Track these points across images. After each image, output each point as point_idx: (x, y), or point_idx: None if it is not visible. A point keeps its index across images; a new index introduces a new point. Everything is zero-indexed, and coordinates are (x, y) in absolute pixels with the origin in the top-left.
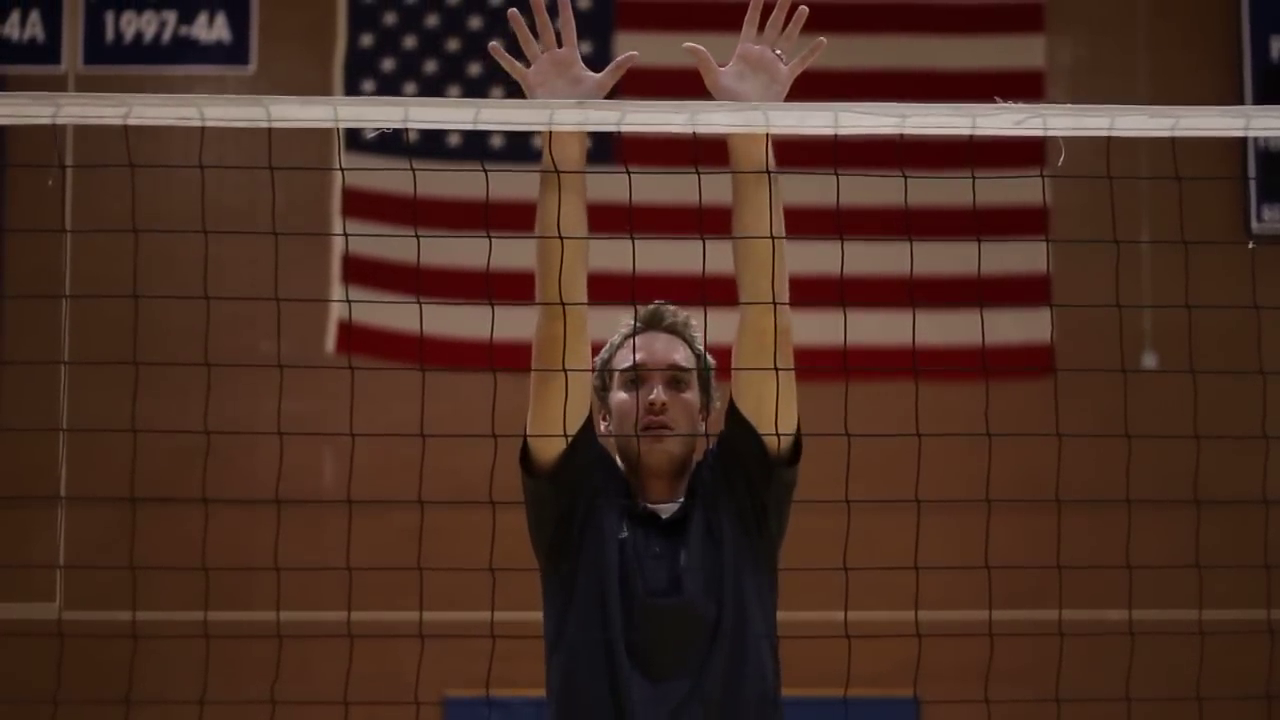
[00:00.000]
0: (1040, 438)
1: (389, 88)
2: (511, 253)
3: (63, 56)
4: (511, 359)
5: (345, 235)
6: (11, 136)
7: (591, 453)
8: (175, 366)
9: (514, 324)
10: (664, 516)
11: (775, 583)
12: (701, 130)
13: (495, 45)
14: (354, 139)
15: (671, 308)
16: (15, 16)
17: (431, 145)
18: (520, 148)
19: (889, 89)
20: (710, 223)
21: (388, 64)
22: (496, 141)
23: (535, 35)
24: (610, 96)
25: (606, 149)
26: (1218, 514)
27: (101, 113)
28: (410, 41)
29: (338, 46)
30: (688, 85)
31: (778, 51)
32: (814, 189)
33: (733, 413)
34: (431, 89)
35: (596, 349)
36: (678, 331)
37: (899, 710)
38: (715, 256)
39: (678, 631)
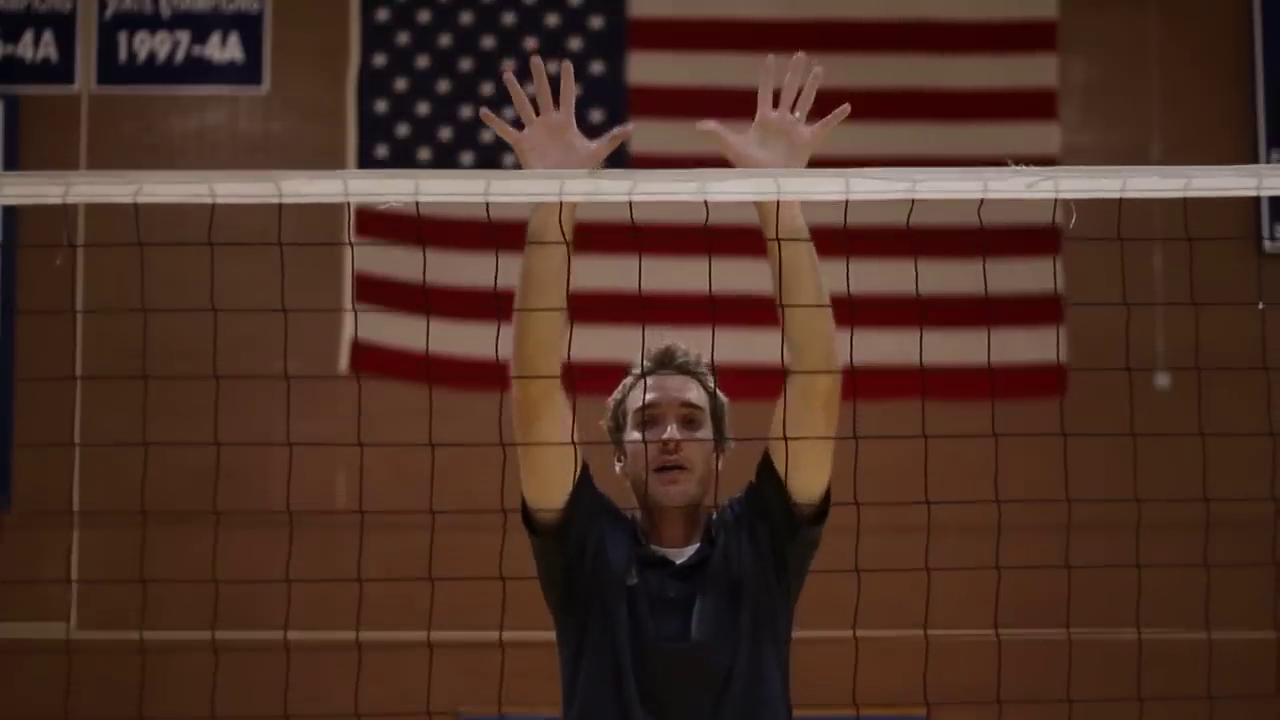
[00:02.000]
0: (1052, 456)
1: (401, 107)
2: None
3: (76, 76)
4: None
5: (352, 245)
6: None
7: (592, 504)
8: (189, 389)
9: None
10: (678, 561)
11: (789, 634)
12: (713, 199)
13: (486, 112)
14: (367, 159)
15: (683, 347)
16: (29, 36)
17: (445, 165)
18: None
19: (900, 109)
20: (718, 244)
21: (401, 84)
22: (509, 162)
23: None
24: (622, 119)
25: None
26: (1233, 530)
27: (111, 191)
28: (424, 61)
29: (350, 66)
30: (701, 105)
31: (797, 114)
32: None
33: (766, 466)
34: (444, 108)
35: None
36: (689, 370)
37: None
38: (724, 278)
39: (690, 678)
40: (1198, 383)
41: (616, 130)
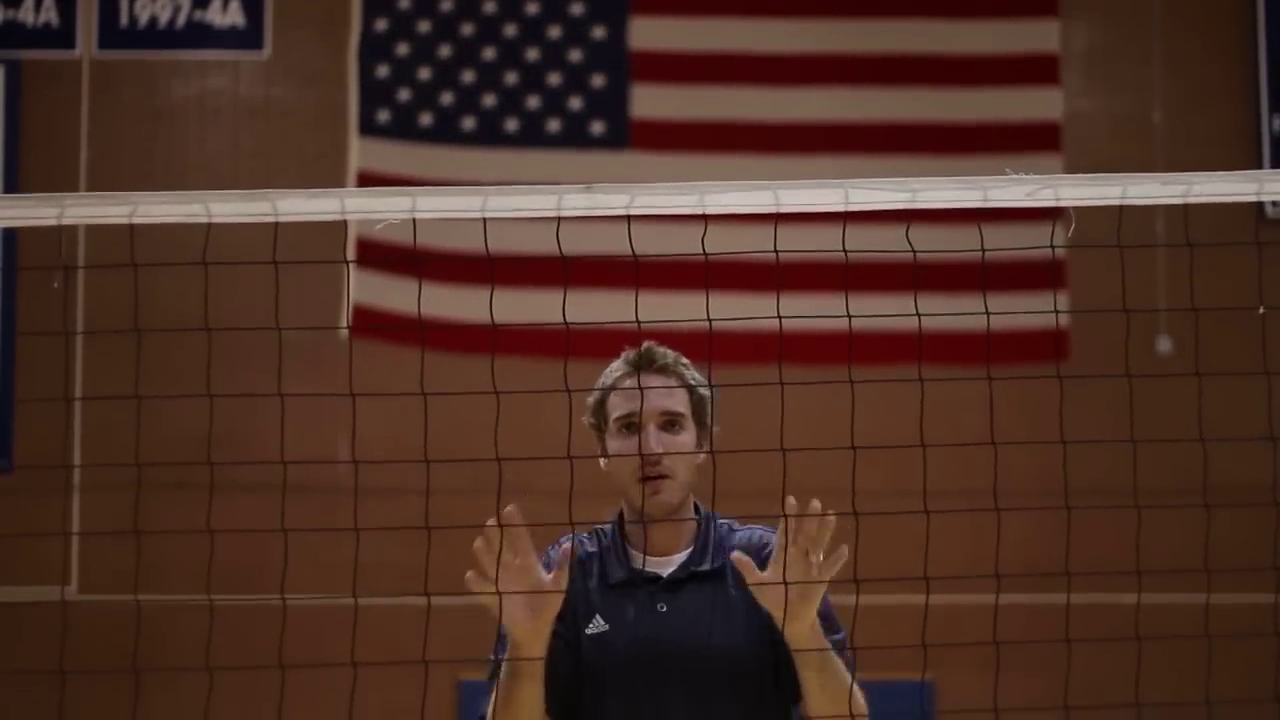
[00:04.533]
0: (1053, 422)
1: (403, 72)
2: (517, 237)
3: (77, 41)
4: (516, 344)
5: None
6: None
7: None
8: (188, 354)
9: (519, 308)
10: (665, 574)
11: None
12: (711, 212)
13: (470, 575)
14: (368, 125)
15: (662, 348)
16: (30, 1)
17: (446, 131)
18: (534, 132)
19: (903, 74)
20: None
21: (402, 48)
22: (511, 127)
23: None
24: (624, 84)
25: (621, 134)
26: (1230, 500)
27: (107, 212)
28: (425, 26)
29: (352, 31)
30: (703, 70)
31: (813, 559)
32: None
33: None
34: (446, 73)
35: None
36: (668, 370)
37: (912, 693)
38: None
39: (683, 692)
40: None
41: (562, 554)
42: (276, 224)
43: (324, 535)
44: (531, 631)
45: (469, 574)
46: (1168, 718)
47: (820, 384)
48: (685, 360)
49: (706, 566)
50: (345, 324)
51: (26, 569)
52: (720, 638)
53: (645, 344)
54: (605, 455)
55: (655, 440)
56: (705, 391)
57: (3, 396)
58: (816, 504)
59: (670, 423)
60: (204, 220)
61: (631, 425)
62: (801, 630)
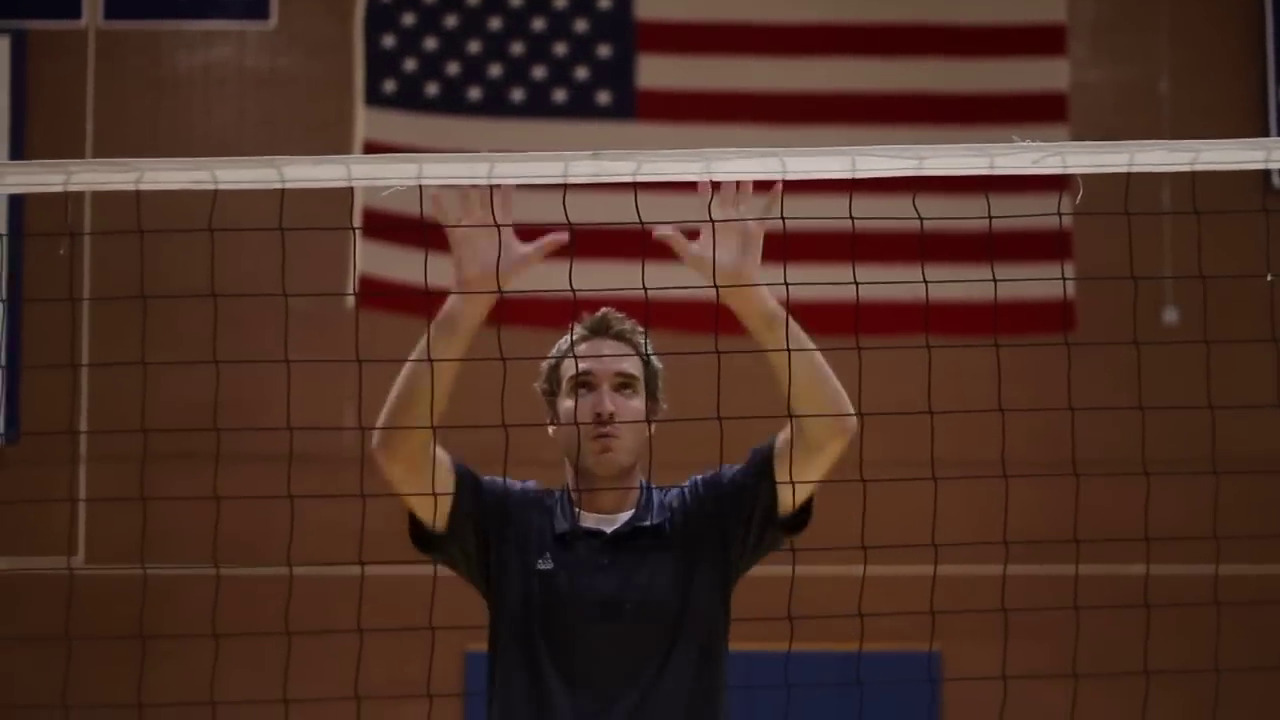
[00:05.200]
0: (1059, 392)
1: (409, 42)
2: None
3: (83, 10)
4: (521, 313)
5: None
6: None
7: (481, 505)
8: (194, 323)
9: (525, 277)
10: (609, 530)
11: (728, 613)
12: (718, 178)
13: (436, 193)
14: (374, 95)
15: (618, 314)
16: None
17: (452, 101)
18: (540, 102)
19: (911, 45)
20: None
21: (408, 18)
22: (517, 97)
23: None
24: (630, 53)
25: (627, 104)
26: (1237, 468)
27: (113, 178)
28: None
29: (358, 1)
30: (709, 39)
31: (741, 208)
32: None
33: (763, 467)
34: (452, 43)
35: None
36: (625, 337)
37: (920, 664)
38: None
39: (621, 652)
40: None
41: (550, 238)
42: (283, 191)
43: (330, 503)
44: (479, 284)
45: (433, 193)
46: (1176, 685)
47: (826, 350)
48: (641, 329)
49: (648, 522)
50: (352, 291)
51: (33, 540)
52: (661, 592)
53: (602, 310)
54: (555, 422)
55: (609, 400)
56: (658, 363)
57: (10, 363)
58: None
59: (624, 385)
60: (210, 187)
61: (585, 385)
62: (751, 301)
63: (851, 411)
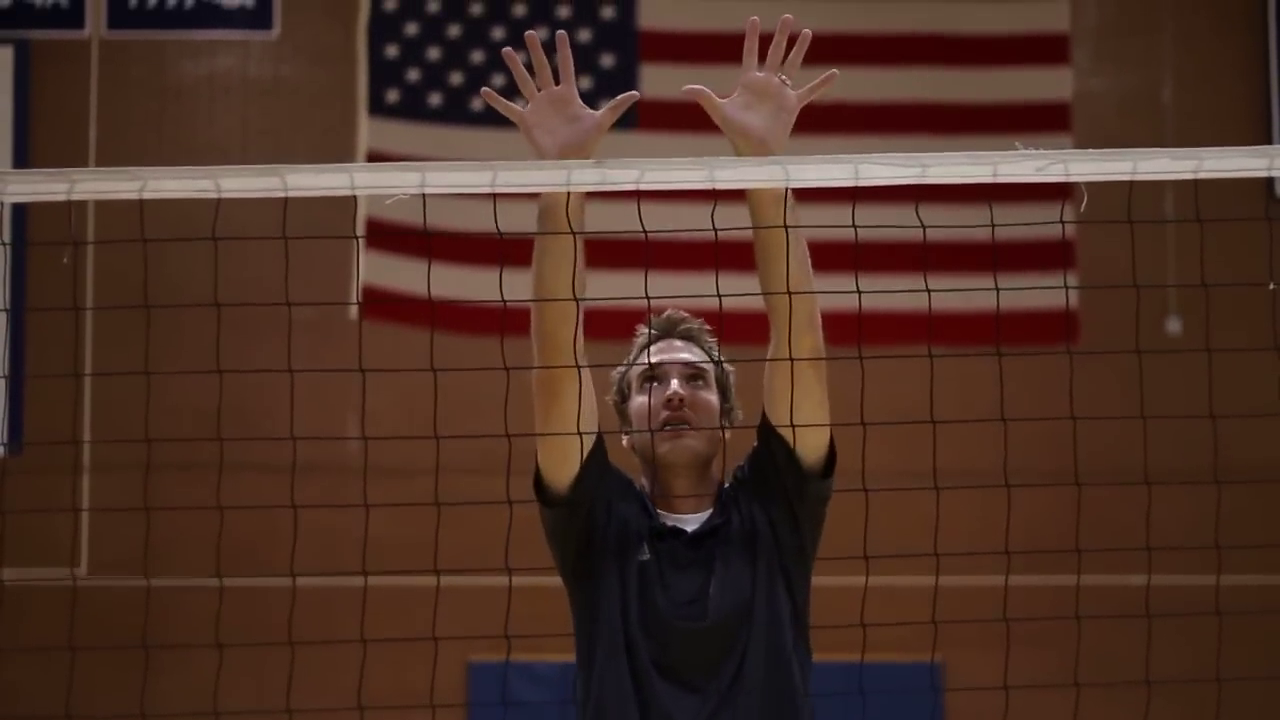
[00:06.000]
0: (1063, 399)
1: (413, 52)
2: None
3: (87, 21)
4: (525, 323)
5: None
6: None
7: (605, 475)
8: (199, 332)
9: (528, 287)
10: (690, 530)
11: (808, 588)
12: (721, 186)
13: (488, 90)
14: (377, 104)
15: (685, 314)
16: None
17: (455, 111)
18: None
19: (915, 54)
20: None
21: (411, 28)
22: (522, 106)
23: (532, 72)
24: (633, 63)
25: (630, 113)
26: (1240, 478)
27: (116, 188)
28: (434, 5)
29: (361, 10)
30: (713, 49)
31: (783, 77)
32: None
33: (765, 427)
34: (455, 53)
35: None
36: (693, 337)
37: (922, 674)
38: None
39: (707, 651)
40: (1205, 319)
41: (621, 96)
42: (286, 199)
43: (334, 513)
44: (560, 158)
45: (484, 90)
46: (1178, 696)
47: (830, 360)
48: (710, 330)
49: (725, 522)
50: (355, 300)
51: (37, 550)
52: (734, 595)
53: (668, 311)
54: (627, 430)
55: (679, 386)
56: (728, 366)
57: (13, 373)
58: (788, 17)
59: (694, 376)
60: (214, 195)
61: (655, 379)
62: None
63: (819, 323)
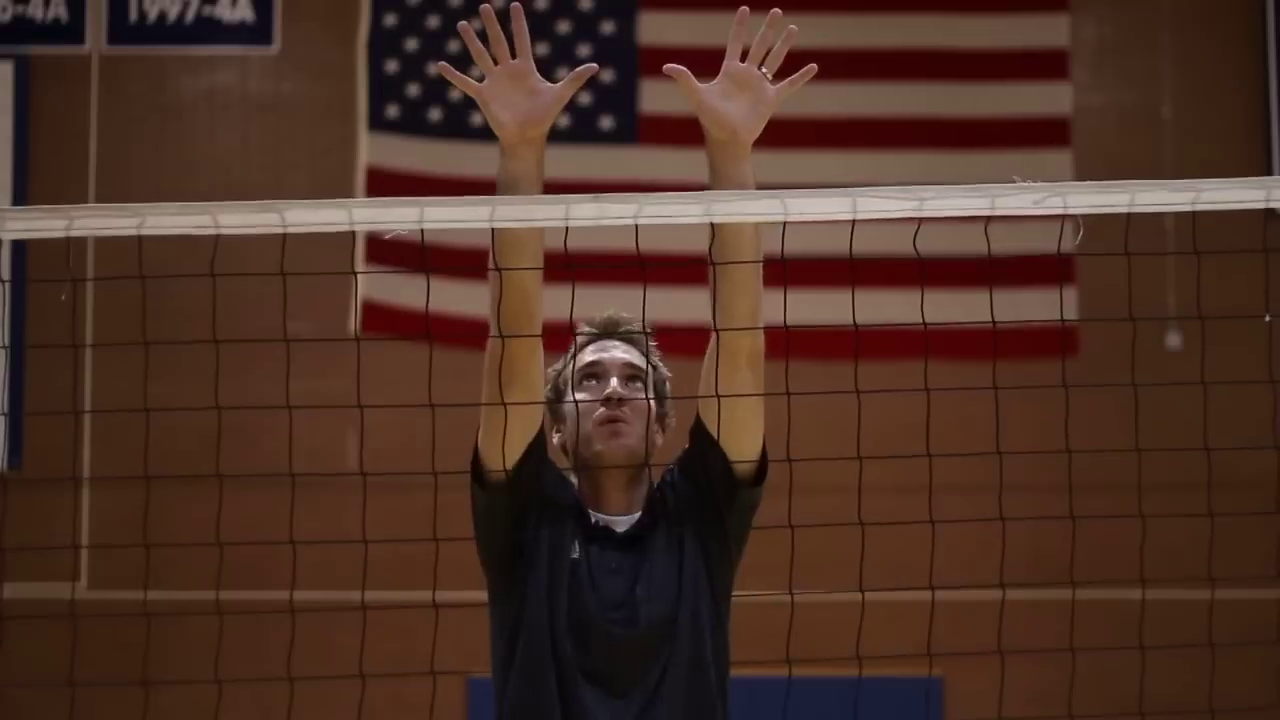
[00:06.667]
0: (1061, 412)
1: (412, 67)
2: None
3: (87, 36)
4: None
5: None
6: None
7: (543, 467)
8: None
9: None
10: (619, 530)
11: (729, 594)
12: (718, 220)
13: (444, 64)
14: (377, 120)
15: (627, 315)
16: None
17: (455, 126)
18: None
19: (913, 69)
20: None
21: (411, 43)
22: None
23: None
24: (632, 79)
25: (629, 129)
26: (1237, 493)
27: (114, 224)
28: (434, 21)
29: (361, 26)
30: (712, 65)
31: (764, 69)
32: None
33: (698, 430)
34: (455, 67)
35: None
36: (633, 340)
37: (921, 689)
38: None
39: (633, 657)
40: (1202, 343)
41: (579, 69)
42: (285, 235)
43: (332, 528)
44: (520, 140)
45: (440, 64)
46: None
47: (825, 374)
48: (649, 333)
49: (652, 523)
50: (354, 327)
51: (37, 566)
52: (658, 601)
53: (610, 309)
54: (560, 428)
55: (618, 385)
56: (665, 371)
57: (13, 407)
58: (776, 12)
59: (633, 377)
60: (212, 232)
61: (593, 375)
62: (731, 164)
63: (761, 322)
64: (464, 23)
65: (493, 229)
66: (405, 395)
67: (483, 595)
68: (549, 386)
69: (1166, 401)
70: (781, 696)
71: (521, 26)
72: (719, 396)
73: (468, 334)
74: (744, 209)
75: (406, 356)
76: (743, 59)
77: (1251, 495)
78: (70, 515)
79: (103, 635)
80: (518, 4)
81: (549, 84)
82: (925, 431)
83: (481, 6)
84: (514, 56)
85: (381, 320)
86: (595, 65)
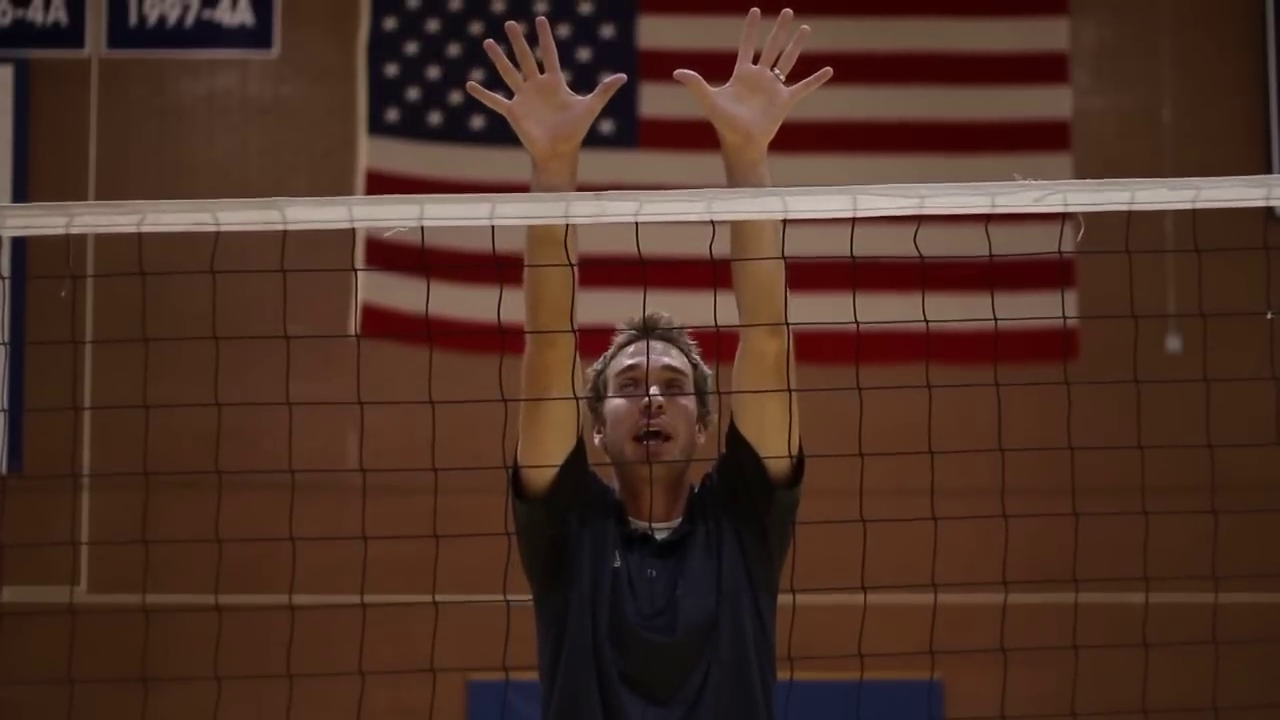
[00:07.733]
0: (1063, 414)
1: (412, 71)
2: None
3: (86, 40)
4: (523, 344)
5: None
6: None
7: (583, 476)
8: (200, 352)
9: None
10: (659, 538)
11: (774, 604)
12: (719, 218)
13: (473, 85)
14: (377, 123)
15: (666, 315)
16: (39, 0)
17: (455, 130)
18: None
19: (913, 72)
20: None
21: (411, 47)
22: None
23: (516, 64)
24: (632, 81)
25: (629, 133)
26: (1239, 495)
27: (115, 221)
28: (434, 24)
29: (360, 29)
30: (712, 68)
31: (777, 71)
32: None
33: (733, 435)
34: (455, 72)
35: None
36: (672, 340)
37: (922, 691)
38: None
39: (674, 663)
40: (1204, 343)
41: (608, 80)
42: (285, 232)
43: (332, 530)
44: (552, 155)
45: (470, 84)
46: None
47: (826, 376)
48: (689, 332)
49: (694, 530)
50: (354, 328)
51: (36, 569)
52: (698, 609)
53: (649, 310)
54: (601, 430)
55: (658, 396)
56: (707, 369)
57: (13, 404)
58: (787, 12)
59: (672, 382)
60: (212, 229)
61: (633, 381)
62: (747, 168)
63: (786, 296)
64: (491, 41)
65: (529, 228)
66: (404, 398)
67: (482, 596)
68: (589, 387)
69: (1167, 404)
70: (782, 698)
71: (549, 42)
72: (733, 393)
73: (467, 336)
74: (744, 206)
75: (406, 359)
76: (754, 61)
77: (1253, 497)
78: (70, 516)
79: (102, 636)
80: (544, 19)
81: (579, 97)
82: (927, 432)
83: (507, 25)
84: (542, 71)
85: (380, 324)
86: (624, 76)
